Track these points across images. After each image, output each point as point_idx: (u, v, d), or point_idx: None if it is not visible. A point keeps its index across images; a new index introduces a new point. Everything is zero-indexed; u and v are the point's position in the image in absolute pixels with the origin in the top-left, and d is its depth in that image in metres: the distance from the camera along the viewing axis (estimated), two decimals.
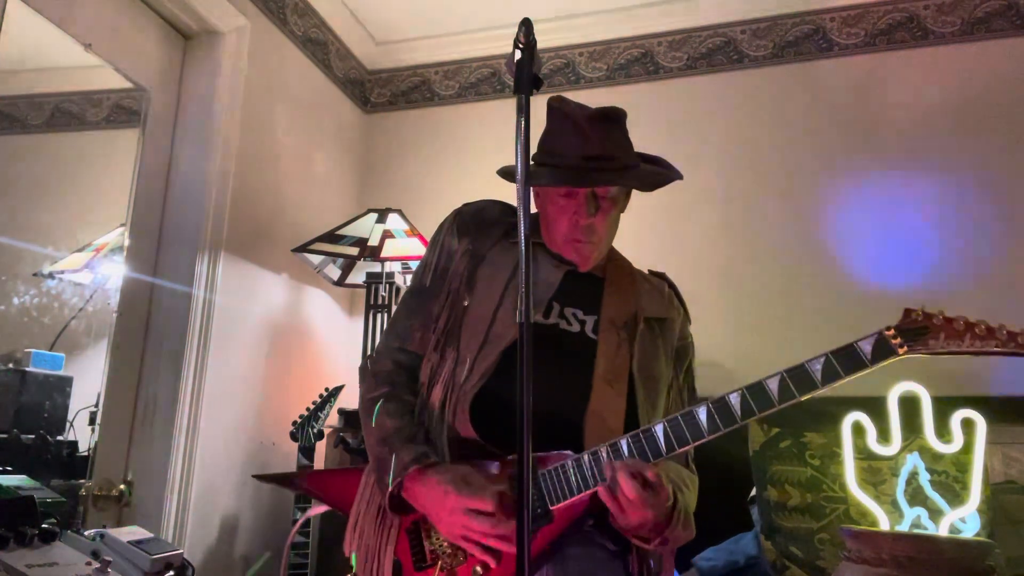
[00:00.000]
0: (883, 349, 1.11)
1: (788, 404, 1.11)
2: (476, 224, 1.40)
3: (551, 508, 1.16)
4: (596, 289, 1.36)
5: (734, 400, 1.12)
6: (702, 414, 1.13)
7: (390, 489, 1.21)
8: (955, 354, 1.12)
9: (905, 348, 1.11)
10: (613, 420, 1.22)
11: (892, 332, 1.13)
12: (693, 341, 1.42)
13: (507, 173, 1.39)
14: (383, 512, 1.26)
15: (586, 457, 1.16)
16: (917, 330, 1.13)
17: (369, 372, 1.37)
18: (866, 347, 1.11)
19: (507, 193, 1.36)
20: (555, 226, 1.33)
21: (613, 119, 1.31)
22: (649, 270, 1.47)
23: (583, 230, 1.31)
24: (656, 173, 1.39)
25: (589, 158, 1.27)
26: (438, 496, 1.16)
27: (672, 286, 1.45)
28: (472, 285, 1.33)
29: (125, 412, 2.15)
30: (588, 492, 1.14)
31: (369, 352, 2.63)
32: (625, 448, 1.14)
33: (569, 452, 1.17)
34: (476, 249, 1.36)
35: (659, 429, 1.14)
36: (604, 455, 1.14)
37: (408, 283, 1.47)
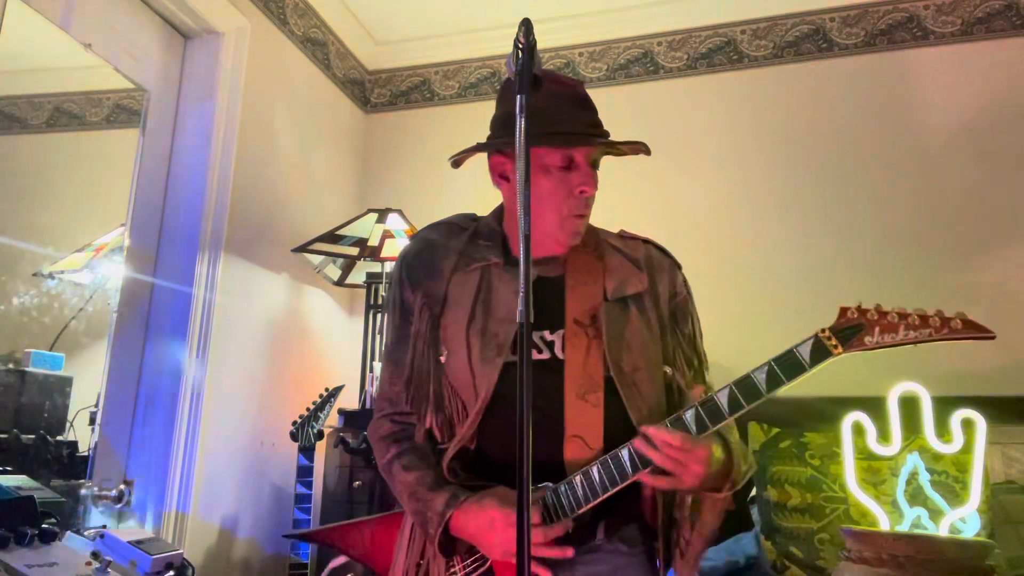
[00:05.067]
0: (819, 351, 1.14)
1: (738, 414, 1.15)
2: (424, 266, 1.32)
3: None
4: (558, 294, 1.27)
5: (689, 418, 1.15)
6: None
7: (437, 539, 1.19)
8: (892, 347, 1.12)
9: (840, 348, 1.13)
10: (592, 437, 1.20)
11: (827, 334, 1.15)
12: (689, 289, 1.37)
13: (457, 162, 1.35)
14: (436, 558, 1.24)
15: (563, 487, 1.17)
16: (852, 328, 1.14)
17: (375, 437, 1.35)
18: (804, 351, 1.14)
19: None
20: (548, 204, 1.23)
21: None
22: (622, 231, 1.40)
23: (587, 202, 1.26)
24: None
25: (593, 125, 1.26)
26: (485, 523, 1.15)
27: (648, 241, 1.39)
28: (443, 336, 1.27)
29: (125, 412, 2.15)
30: (565, 520, 1.16)
31: (369, 355, 2.64)
32: (596, 475, 1.16)
33: (548, 484, 1.18)
34: (433, 295, 1.29)
35: (625, 454, 1.16)
36: (578, 482, 1.16)
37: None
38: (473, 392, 1.22)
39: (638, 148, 1.29)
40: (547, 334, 1.24)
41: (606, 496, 1.16)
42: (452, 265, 1.30)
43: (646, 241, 1.39)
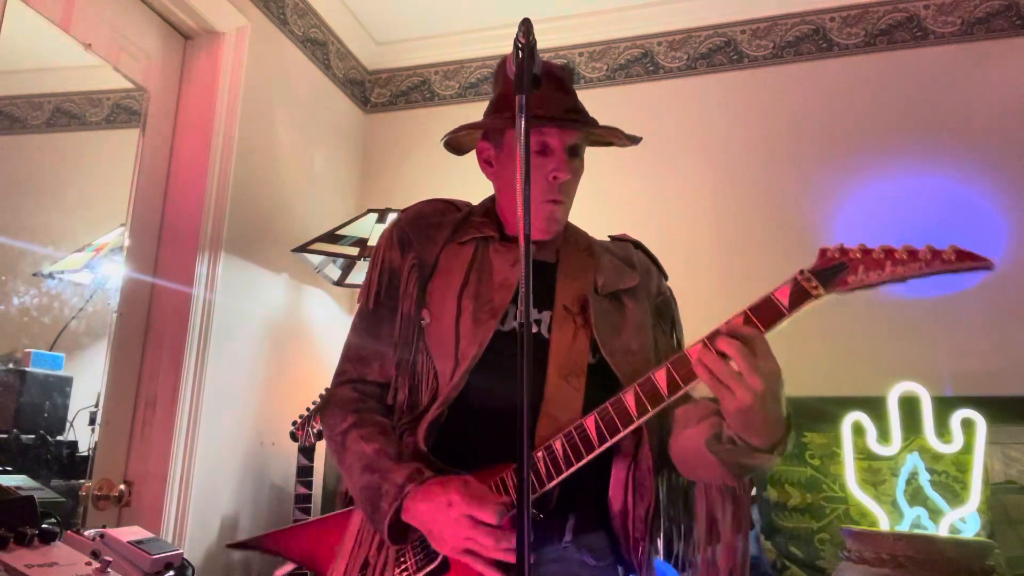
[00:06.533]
0: (799, 294, 1.04)
1: None
2: (417, 233, 1.30)
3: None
4: (549, 279, 1.27)
5: (661, 376, 1.06)
6: (629, 398, 1.07)
7: (389, 516, 1.10)
8: (877, 285, 1.02)
9: (820, 289, 1.03)
10: (568, 418, 1.14)
11: (806, 275, 1.05)
12: (673, 295, 1.37)
13: (452, 146, 1.37)
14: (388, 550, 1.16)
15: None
16: (834, 268, 1.04)
17: (331, 405, 1.27)
18: (782, 296, 1.04)
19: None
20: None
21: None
22: (610, 236, 1.41)
23: (560, 187, 1.23)
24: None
25: (570, 110, 1.24)
26: (441, 508, 1.06)
27: (638, 245, 1.39)
28: (427, 301, 1.24)
29: (125, 412, 2.15)
30: (532, 498, 1.07)
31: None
32: (559, 447, 1.09)
33: (510, 464, 1.11)
34: (423, 260, 1.27)
35: (590, 421, 1.09)
36: (541, 457, 1.10)
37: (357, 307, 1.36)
38: (453, 360, 1.18)
39: (615, 133, 1.28)
40: (535, 312, 1.23)
41: (571, 471, 1.08)
42: (446, 236, 1.30)
43: (636, 246, 1.40)
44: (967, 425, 1.96)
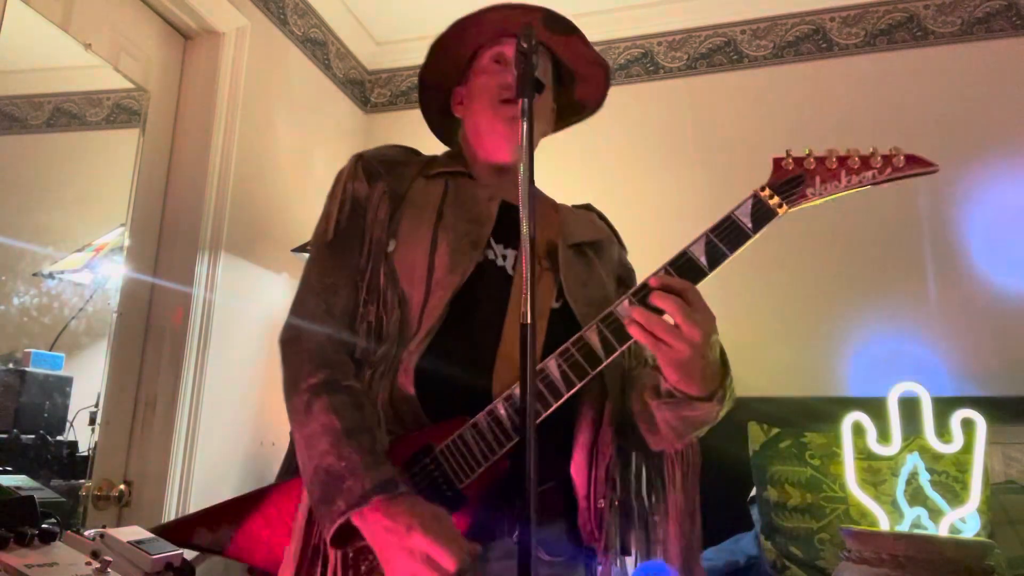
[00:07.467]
0: (762, 213, 1.04)
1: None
2: (385, 166, 1.24)
3: (460, 489, 1.02)
4: (516, 218, 1.17)
5: (622, 310, 1.01)
6: (593, 336, 1.02)
7: (342, 519, 0.96)
8: (837, 196, 1.02)
9: (784, 206, 1.04)
10: None
11: (767, 192, 1.04)
12: (633, 269, 1.34)
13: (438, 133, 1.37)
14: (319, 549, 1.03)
15: (483, 419, 1.03)
16: (792, 181, 1.04)
17: (299, 345, 1.15)
18: (744, 216, 1.04)
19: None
20: (481, 100, 1.23)
21: None
22: (573, 205, 1.39)
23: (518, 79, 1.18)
24: None
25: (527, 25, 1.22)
26: (398, 531, 0.94)
27: (601, 216, 1.37)
28: (396, 229, 1.17)
29: (125, 412, 2.15)
30: (496, 457, 1.01)
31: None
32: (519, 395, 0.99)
33: (466, 417, 1.04)
34: (394, 190, 1.20)
35: (552, 365, 1.02)
36: (502, 411, 1.02)
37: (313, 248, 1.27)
38: (424, 288, 1.11)
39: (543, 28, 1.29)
40: (501, 247, 1.18)
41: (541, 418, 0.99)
42: (415, 172, 1.25)
43: (601, 216, 1.38)
44: (967, 425, 1.96)
